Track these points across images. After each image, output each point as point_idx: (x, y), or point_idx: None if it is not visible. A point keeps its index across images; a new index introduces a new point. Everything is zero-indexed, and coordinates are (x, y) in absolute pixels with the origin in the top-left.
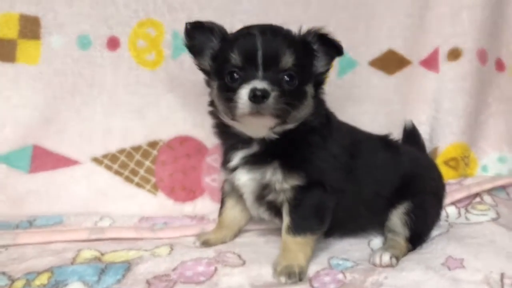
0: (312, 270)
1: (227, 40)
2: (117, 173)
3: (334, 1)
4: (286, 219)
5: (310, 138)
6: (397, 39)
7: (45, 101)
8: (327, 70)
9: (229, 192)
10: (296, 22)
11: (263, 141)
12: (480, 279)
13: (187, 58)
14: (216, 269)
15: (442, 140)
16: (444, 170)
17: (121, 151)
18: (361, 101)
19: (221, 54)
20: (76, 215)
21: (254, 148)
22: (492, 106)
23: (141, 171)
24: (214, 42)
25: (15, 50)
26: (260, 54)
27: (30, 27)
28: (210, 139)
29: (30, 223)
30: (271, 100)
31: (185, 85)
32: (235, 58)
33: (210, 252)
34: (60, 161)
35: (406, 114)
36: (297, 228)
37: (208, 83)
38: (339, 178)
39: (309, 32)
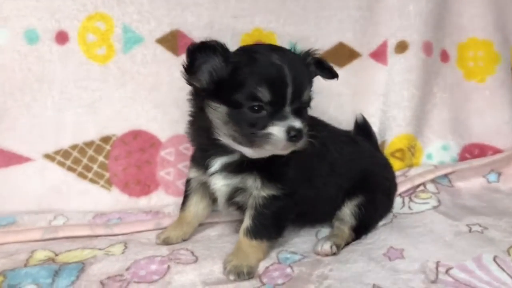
0: (262, 265)
1: (239, 64)
2: (70, 169)
3: None
4: (246, 222)
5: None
6: (347, 31)
7: None
8: None
9: (195, 189)
10: (248, 15)
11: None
12: (416, 268)
13: (138, 51)
14: (169, 267)
15: (388, 133)
16: (391, 162)
17: (74, 147)
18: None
19: (232, 79)
20: (29, 214)
21: (235, 157)
22: (436, 96)
23: (95, 167)
24: (216, 61)
25: None
26: (290, 90)
27: None
28: (163, 132)
29: None
30: (303, 136)
31: (137, 79)
32: (263, 92)
33: (163, 250)
34: (11, 159)
35: (356, 107)
36: (255, 233)
37: (196, 100)
38: (309, 186)
39: (307, 54)
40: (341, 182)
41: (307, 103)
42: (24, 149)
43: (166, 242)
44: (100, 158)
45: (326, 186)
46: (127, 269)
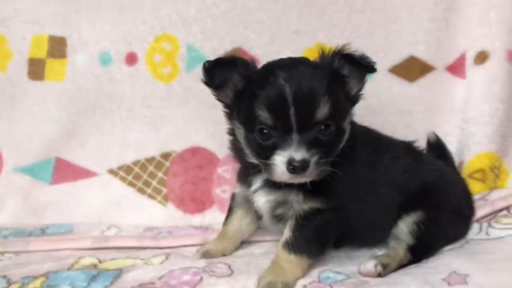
0: (299, 283)
1: (252, 81)
2: (131, 184)
3: (349, 6)
4: (286, 234)
5: (335, 163)
6: (420, 44)
7: (68, 116)
8: (361, 87)
9: (239, 204)
10: (311, 31)
11: None
12: None
13: (200, 70)
14: (201, 279)
15: (467, 152)
16: (469, 184)
17: (136, 163)
18: (381, 110)
19: (247, 97)
20: (86, 224)
21: None
22: None
23: (154, 183)
24: (236, 78)
25: (43, 69)
26: (292, 111)
27: (57, 47)
28: (221, 149)
29: (42, 231)
30: (311, 167)
31: (198, 96)
32: (264, 116)
33: (201, 262)
34: (79, 173)
35: (430, 125)
36: (295, 246)
37: (229, 117)
38: (358, 199)
39: (334, 56)
40: (395, 195)
41: (324, 123)
42: (92, 164)
43: (205, 256)
44: (160, 174)
45: (378, 197)
46: (160, 277)
